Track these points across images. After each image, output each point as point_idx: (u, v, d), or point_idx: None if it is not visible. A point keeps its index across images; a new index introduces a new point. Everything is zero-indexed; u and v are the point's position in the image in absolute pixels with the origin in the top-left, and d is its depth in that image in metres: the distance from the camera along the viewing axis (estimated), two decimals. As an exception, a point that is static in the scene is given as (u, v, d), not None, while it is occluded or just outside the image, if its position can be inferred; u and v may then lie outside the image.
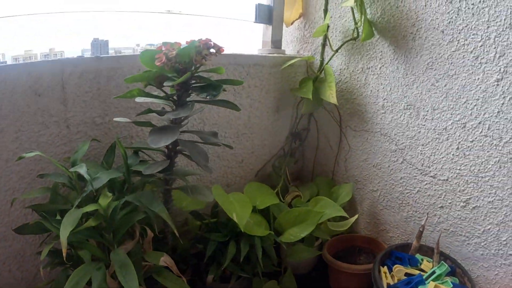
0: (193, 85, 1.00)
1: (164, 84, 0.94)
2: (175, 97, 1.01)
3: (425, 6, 1.28)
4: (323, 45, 1.55)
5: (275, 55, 1.58)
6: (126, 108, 1.27)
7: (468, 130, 1.23)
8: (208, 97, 0.93)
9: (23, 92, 1.10)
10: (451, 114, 1.26)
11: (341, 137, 1.59)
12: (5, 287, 1.23)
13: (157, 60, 0.92)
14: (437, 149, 1.31)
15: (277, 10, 1.60)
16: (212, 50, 0.96)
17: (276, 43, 1.63)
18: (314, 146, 1.72)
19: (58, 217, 1.03)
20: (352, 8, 1.42)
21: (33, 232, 1.09)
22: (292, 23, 1.65)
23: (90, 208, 0.99)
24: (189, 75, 0.93)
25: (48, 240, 1.04)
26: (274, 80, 1.57)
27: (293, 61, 1.47)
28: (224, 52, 1.00)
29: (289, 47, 1.74)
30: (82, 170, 0.99)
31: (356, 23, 1.42)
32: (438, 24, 1.26)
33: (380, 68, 1.43)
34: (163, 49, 0.95)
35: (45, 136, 1.17)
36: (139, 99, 1.02)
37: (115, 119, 1.11)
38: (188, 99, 1.01)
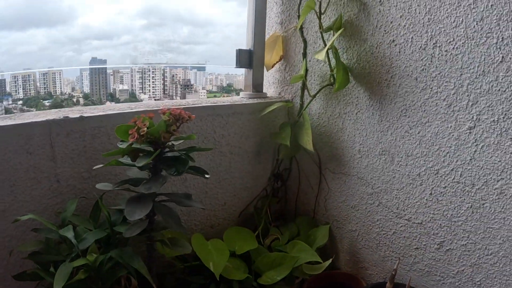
0: (164, 155, 1.11)
1: (136, 164, 1.06)
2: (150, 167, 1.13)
3: (399, 52, 1.37)
4: (302, 89, 1.67)
5: (254, 100, 1.69)
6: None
7: (441, 176, 1.33)
8: (174, 174, 1.05)
9: (15, 151, 1.22)
10: (425, 161, 1.36)
11: (320, 178, 1.70)
12: None
13: (130, 137, 1.04)
14: (411, 193, 1.41)
15: (257, 54, 1.71)
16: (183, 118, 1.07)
17: (257, 87, 1.74)
18: (296, 186, 1.83)
19: (52, 269, 1.13)
20: (327, 55, 1.50)
21: (31, 279, 1.20)
22: (273, 66, 1.75)
23: (79, 262, 1.10)
24: (157, 153, 1.05)
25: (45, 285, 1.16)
26: (254, 126, 1.68)
27: (272, 107, 1.58)
28: (203, 104, 1.10)
29: (271, 88, 1.85)
30: (69, 235, 1.12)
31: (332, 70, 1.51)
32: (411, 71, 1.35)
33: (356, 113, 1.53)
34: (136, 123, 1.06)
35: (38, 190, 1.28)
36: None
37: (97, 186, 1.22)
38: (162, 166, 1.12)
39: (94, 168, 1.22)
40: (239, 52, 1.68)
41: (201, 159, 1.53)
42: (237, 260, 1.43)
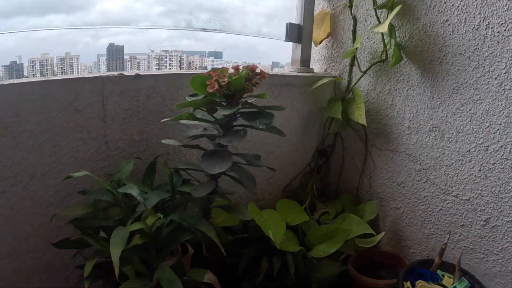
0: (241, 110, 1.16)
1: (219, 112, 1.11)
2: (223, 122, 1.17)
3: (452, 32, 1.46)
4: (351, 66, 1.76)
5: (305, 74, 1.78)
6: (164, 126, 1.42)
7: (490, 153, 1.42)
8: (260, 126, 1.09)
9: (62, 108, 1.21)
10: (475, 137, 1.45)
11: (366, 155, 1.80)
12: None
13: (209, 87, 1.07)
14: (460, 170, 1.51)
15: (306, 29, 1.80)
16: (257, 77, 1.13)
17: (305, 62, 1.83)
18: (339, 163, 1.92)
19: (103, 234, 1.11)
20: (382, 32, 1.61)
21: (74, 247, 1.19)
22: (320, 42, 1.85)
23: (136, 226, 1.10)
24: (240, 104, 1.11)
25: (90, 255, 1.13)
26: (303, 99, 1.76)
27: (323, 81, 1.67)
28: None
29: (317, 65, 1.94)
30: (135, 192, 1.12)
31: (385, 46, 1.62)
32: (464, 50, 1.44)
33: (407, 90, 1.62)
34: (211, 74, 1.10)
35: (83, 152, 1.29)
36: (186, 122, 1.18)
37: (163, 141, 1.27)
38: (234, 123, 1.18)
39: (162, 121, 1.24)
40: (289, 26, 1.77)
41: (253, 130, 1.62)
42: (289, 232, 1.50)
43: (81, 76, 1.26)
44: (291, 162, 1.81)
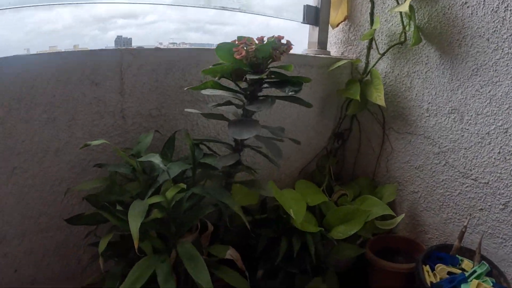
0: (267, 80, 1.18)
1: (247, 77, 1.11)
2: (247, 92, 1.19)
3: (471, 14, 1.48)
4: (369, 48, 1.78)
5: (322, 56, 1.80)
6: (182, 101, 1.45)
7: (510, 135, 1.44)
8: (290, 93, 1.11)
9: (79, 81, 1.23)
10: (494, 120, 1.47)
11: (383, 138, 1.82)
12: (42, 277, 1.36)
13: (236, 53, 1.09)
14: (480, 152, 1.52)
15: (323, 12, 1.83)
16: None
17: (322, 44, 1.86)
18: (355, 146, 1.94)
19: (119, 208, 1.10)
20: (401, 14, 1.64)
21: (88, 223, 1.18)
22: (337, 25, 1.87)
23: (155, 199, 1.09)
24: (268, 71, 1.13)
25: (104, 233, 1.13)
26: (321, 81, 1.79)
27: (341, 63, 1.70)
28: None
29: (333, 48, 1.96)
30: (157, 160, 1.09)
31: (404, 28, 1.65)
32: (483, 32, 1.46)
33: (425, 72, 1.65)
34: (237, 43, 1.12)
35: (99, 126, 1.31)
36: (208, 91, 1.19)
37: (186, 109, 1.29)
38: (259, 93, 1.20)
39: (185, 88, 1.23)
40: (307, 8, 1.80)
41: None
42: (308, 213, 1.51)
43: (100, 48, 1.28)
44: (309, 144, 1.84)
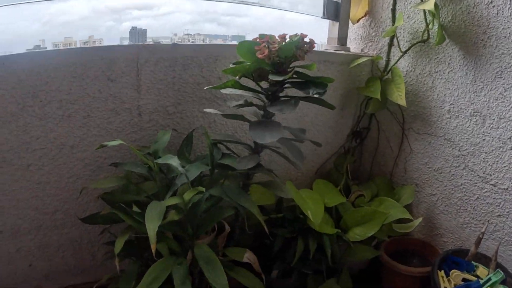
0: (289, 80, 1.17)
1: (271, 78, 1.11)
2: (269, 92, 1.20)
3: (497, 14, 1.46)
4: (390, 45, 1.77)
5: (342, 52, 1.80)
6: (200, 98, 1.46)
7: None
8: (315, 95, 1.11)
9: (95, 77, 1.25)
10: None
11: (402, 138, 1.82)
12: (56, 273, 1.40)
13: (258, 52, 1.09)
14: (500, 157, 1.52)
15: (344, 7, 1.82)
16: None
17: (342, 40, 1.85)
18: (373, 145, 1.95)
19: (136, 209, 1.13)
20: (424, 11, 1.63)
21: (103, 223, 1.21)
22: (358, 21, 1.86)
23: (173, 201, 1.10)
24: (291, 71, 1.12)
25: (119, 231, 1.17)
26: (341, 78, 1.78)
27: (361, 60, 1.69)
28: None
29: (353, 44, 1.95)
30: (175, 162, 1.11)
31: (427, 26, 1.63)
32: (509, 33, 1.44)
33: (448, 72, 1.64)
34: (258, 40, 1.12)
35: (115, 123, 1.33)
36: (228, 90, 1.19)
37: (205, 109, 1.29)
38: (281, 94, 1.21)
39: (205, 88, 1.25)
40: (326, 3, 1.79)
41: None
42: (325, 214, 1.52)
43: (116, 44, 1.31)
44: (326, 143, 1.84)
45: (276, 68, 1.14)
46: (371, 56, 1.80)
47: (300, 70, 1.19)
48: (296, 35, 1.13)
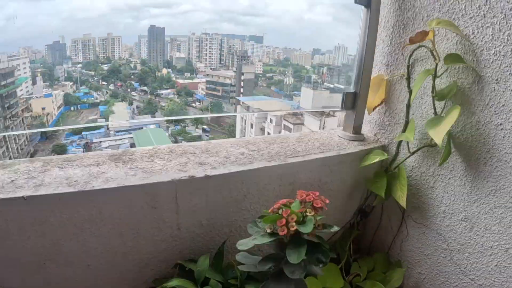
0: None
1: (288, 253, 1.32)
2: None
3: (503, 138, 1.60)
4: (399, 145, 1.98)
5: (356, 143, 2.00)
6: (228, 212, 1.74)
7: (509, 254, 1.67)
8: (318, 264, 1.35)
9: (141, 207, 1.53)
10: (499, 238, 1.69)
11: (402, 222, 2.08)
12: None
13: (279, 230, 1.31)
14: (480, 260, 1.77)
15: (361, 97, 1.97)
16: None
17: (357, 128, 2.03)
18: (377, 221, 2.21)
19: None
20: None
21: None
22: (374, 109, 2.01)
23: None
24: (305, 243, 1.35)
25: None
26: (352, 172, 2.00)
27: (373, 160, 1.89)
28: (313, 157, 1.45)
29: (367, 127, 2.13)
30: None
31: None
32: (510, 159, 1.60)
33: (449, 178, 1.84)
34: (280, 213, 1.34)
35: (159, 236, 1.62)
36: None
37: (238, 245, 1.47)
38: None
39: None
40: (345, 96, 1.95)
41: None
42: None
43: (156, 181, 1.52)
44: (333, 221, 2.06)
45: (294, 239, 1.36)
46: (381, 150, 2.01)
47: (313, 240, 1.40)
48: (309, 211, 1.35)
